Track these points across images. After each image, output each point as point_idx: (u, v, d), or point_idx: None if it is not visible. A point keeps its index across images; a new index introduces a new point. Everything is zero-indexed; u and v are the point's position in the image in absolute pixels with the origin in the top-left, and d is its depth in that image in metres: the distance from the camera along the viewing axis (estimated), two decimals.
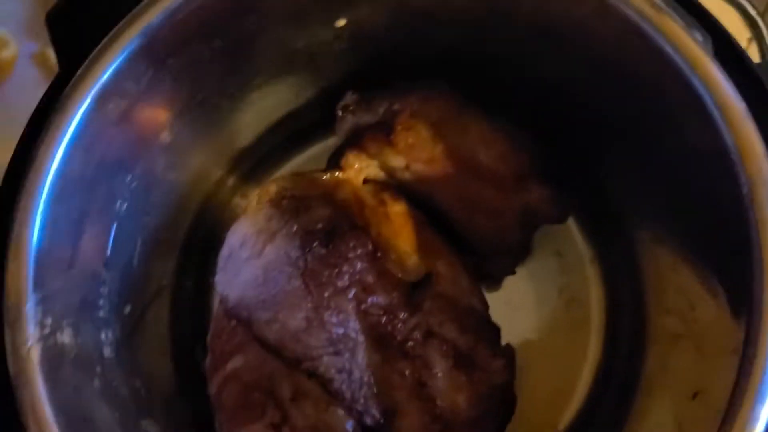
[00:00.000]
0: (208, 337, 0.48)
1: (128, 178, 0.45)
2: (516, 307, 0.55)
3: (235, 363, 0.44)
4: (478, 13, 0.44)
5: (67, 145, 0.38)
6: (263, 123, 0.58)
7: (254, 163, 0.60)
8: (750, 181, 0.34)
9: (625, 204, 0.51)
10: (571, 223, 0.56)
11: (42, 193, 0.37)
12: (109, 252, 0.44)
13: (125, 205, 0.45)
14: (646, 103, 0.41)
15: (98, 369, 0.41)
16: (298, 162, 0.61)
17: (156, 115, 0.46)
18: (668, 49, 0.36)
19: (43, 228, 0.37)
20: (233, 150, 0.57)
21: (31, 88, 0.66)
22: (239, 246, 0.46)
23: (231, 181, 0.59)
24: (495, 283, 0.55)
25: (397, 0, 0.46)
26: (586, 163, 0.53)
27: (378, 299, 0.43)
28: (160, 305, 0.53)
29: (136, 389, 0.44)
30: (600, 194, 0.53)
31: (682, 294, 0.43)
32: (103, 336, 0.42)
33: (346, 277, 0.43)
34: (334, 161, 0.52)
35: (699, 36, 0.36)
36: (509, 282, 0.55)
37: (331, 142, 0.63)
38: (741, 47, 0.37)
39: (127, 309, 0.46)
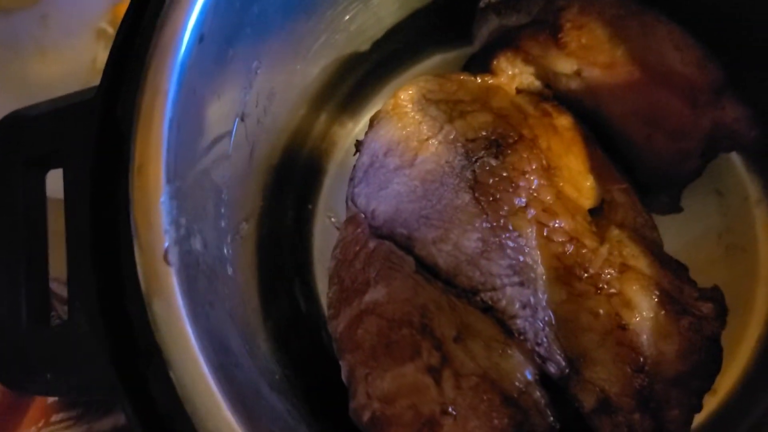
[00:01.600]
0: (332, 265, 0.40)
1: (254, 64, 0.36)
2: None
3: (375, 294, 0.36)
4: None
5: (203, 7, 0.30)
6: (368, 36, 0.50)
7: (352, 87, 0.53)
8: None
9: None
10: (734, 156, 0.49)
11: (177, 57, 0.29)
12: (230, 149, 0.36)
13: (248, 96, 0.37)
14: None
15: (225, 290, 0.33)
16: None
17: None
18: None
19: (175, 102, 0.29)
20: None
21: None
22: (383, 154, 0.37)
23: (328, 108, 0.52)
24: None
25: None
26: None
27: (561, 223, 0.35)
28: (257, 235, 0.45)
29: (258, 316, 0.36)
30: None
31: None
32: (225, 251, 0.34)
33: (524, 194, 0.35)
34: (478, 67, 0.44)
35: None
36: (659, 222, 0.47)
37: (433, 61, 0.55)
38: None
39: (243, 227, 0.38)
